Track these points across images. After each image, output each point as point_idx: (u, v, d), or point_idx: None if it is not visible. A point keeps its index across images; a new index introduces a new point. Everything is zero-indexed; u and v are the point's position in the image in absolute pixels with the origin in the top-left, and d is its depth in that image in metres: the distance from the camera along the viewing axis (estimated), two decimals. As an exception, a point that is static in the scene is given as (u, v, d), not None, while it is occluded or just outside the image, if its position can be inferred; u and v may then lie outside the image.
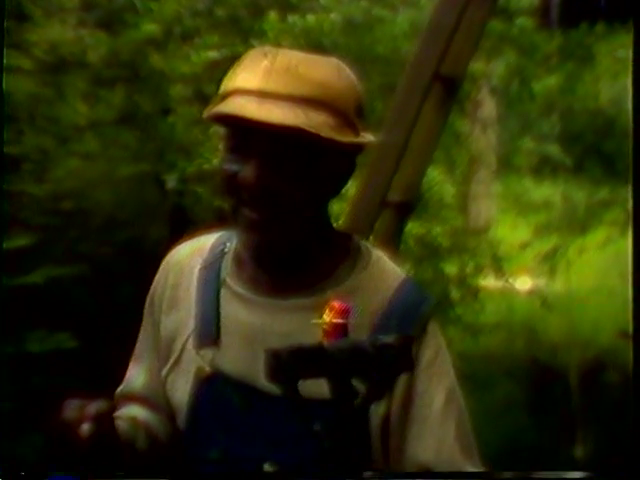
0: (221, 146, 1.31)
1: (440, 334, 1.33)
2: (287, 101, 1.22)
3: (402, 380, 1.27)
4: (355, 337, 1.17)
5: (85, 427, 1.17)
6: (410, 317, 1.29)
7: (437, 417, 1.28)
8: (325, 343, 1.15)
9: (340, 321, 1.16)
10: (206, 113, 1.29)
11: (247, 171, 1.25)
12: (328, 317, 1.17)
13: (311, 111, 1.22)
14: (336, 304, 1.18)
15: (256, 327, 1.31)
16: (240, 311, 1.33)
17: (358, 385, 1.15)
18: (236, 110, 1.22)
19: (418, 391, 1.29)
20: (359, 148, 1.31)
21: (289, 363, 1.13)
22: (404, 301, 1.30)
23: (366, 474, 1.09)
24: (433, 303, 1.34)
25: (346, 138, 1.26)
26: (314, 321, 1.18)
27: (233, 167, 1.27)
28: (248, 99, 1.23)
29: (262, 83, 1.23)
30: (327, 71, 1.27)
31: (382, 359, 1.12)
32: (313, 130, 1.22)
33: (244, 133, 1.25)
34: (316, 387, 1.22)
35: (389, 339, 1.13)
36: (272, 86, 1.23)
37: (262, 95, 1.22)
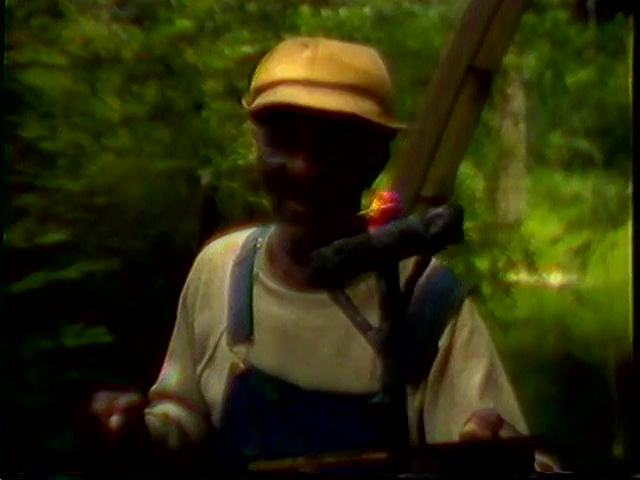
0: (258, 141, 1.28)
1: (477, 315, 1.30)
2: (335, 89, 1.21)
3: (437, 363, 1.25)
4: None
5: (114, 419, 1.14)
6: (444, 302, 1.27)
7: (475, 398, 1.23)
8: (372, 231, 1.04)
9: (389, 205, 1.04)
10: (254, 106, 1.25)
11: (296, 162, 1.23)
12: (376, 205, 1.05)
13: (359, 98, 1.22)
14: (384, 193, 1.06)
15: (290, 322, 1.29)
16: (273, 306, 1.32)
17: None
18: (286, 98, 1.20)
19: (454, 372, 1.25)
20: (394, 135, 1.31)
21: (334, 262, 1.04)
22: (437, 288, 1.28)
23: (402, 476, 1.03)
24: (467, 288, 1.32)
25: (392, 124, 1.26)
26: (362, 212, 1.07)
27: (278, 160, 1.24)
28: (296, 88, 1.21)
29: (307, 72, 1.22)
30: (367, 59, 1.27)
31: (432, 229, 0.98)
32: (366, 116, 1.21)
33: (290, 124, 1.23)
34: (357, 382, 1.23)
35: (438, 209, 0.99)
36: (318, 75, 1.21)
37: (309, 84, 1.21)
